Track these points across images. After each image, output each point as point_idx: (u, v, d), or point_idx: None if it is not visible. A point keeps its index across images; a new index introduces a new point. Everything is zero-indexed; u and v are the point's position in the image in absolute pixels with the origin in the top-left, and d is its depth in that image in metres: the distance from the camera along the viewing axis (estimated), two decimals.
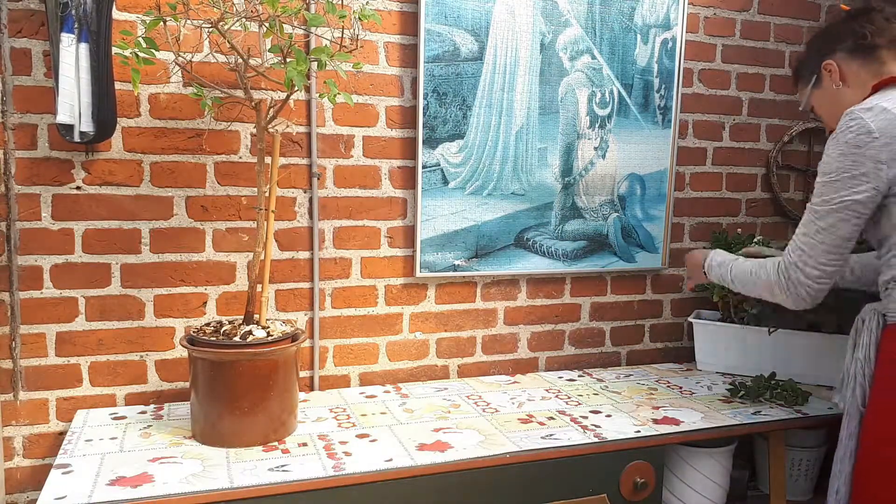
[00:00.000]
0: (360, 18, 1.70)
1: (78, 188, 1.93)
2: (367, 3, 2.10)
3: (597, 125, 2.40)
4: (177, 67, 1.92)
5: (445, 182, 2.25)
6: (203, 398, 1.74)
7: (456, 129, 2.23)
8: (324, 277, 2.19)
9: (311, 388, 2.21)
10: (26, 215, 1.90)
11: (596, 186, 2.43)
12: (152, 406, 2.02)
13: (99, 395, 2.01)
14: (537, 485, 1.80)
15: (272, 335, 1.78)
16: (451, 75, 2.20)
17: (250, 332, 1.77)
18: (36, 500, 1.59)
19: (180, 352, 2.06)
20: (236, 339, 1.75)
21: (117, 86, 1.89)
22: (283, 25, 1.71)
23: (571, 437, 1.87)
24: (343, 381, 2.25)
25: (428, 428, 1.91)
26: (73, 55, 1.74)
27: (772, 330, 2.34)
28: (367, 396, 2.15)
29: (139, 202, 1.99)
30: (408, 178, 2.24)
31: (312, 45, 1.97)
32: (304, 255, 2.17)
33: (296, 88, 1.72)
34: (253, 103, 1.77)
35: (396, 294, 2.28)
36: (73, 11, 1.73)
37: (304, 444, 1.77)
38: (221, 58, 1.91)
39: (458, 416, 2.00)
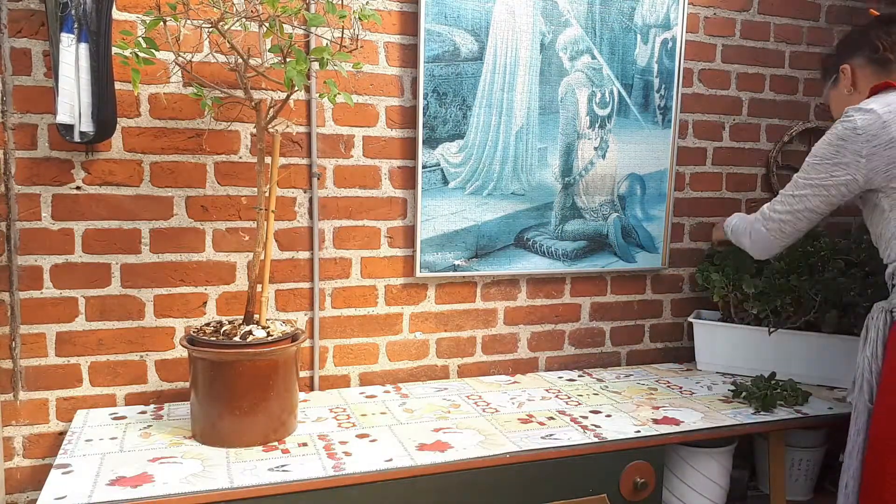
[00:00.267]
0: (360, 18, 1.70)
1: (78, 188, 1.93)
2: (367, 3, 2.10)
3: (597, 125, 2.40)
4: (177, 67, 1.92)
5: (445, 182, 2.25)
6: (203, 398, 1.74)
7: (456, 129, 2.23)
8: (324, 277, 2.19)
9: (311, 388, 2.21)
10: (26, 215, 1.90)
11: (596, 186, 2.43)
12: (152, 406, 2.02)
13: (99, 395, 2.01)
14: (537, 485, 1.80)
15: (272, 335, 1.78)
16: (451, 75, 2.20)
17: (250, 332, 1.77)
18: (36, 500, 1.59)
19: (180, 352, 2.06)
20: (236, 339, 1.75)
21: (117, 86, 1.89)
22: (283, 25, 1.71)
23: (571, 437, 1.87)
24: (343, 381, 2.25)
25: (428, 428, 1.91)
26: (73, 55, 1.74)
27: (772, 330, 2.34)
28: (367, 396, 2.15)
29: (139, 202, 1.99)
30: (408, 178, 2.24)
31: (312, 45, 1.97)
32: (304, 255, 2.17)
33: (296, 88, 1.72)
34: (253, 103, 1.77)
35: (396, 294, 2.28)
36: (73, 11, 1.73)
37: (304, 444, 1.77)
38: (221, 58, 1.91)
39: (458, 416, 2.00)
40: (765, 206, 1.95)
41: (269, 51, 1.75)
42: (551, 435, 1.88)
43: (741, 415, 2.07)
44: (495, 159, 2.29)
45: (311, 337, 2.19)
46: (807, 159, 1.84)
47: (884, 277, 1.81)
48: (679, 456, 2.11)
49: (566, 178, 2.39)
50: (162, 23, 1.67)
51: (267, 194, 1.82)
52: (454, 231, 2.28)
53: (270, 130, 1.81)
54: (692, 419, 2.02)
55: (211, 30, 1.74)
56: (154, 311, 2.04)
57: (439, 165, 2.23)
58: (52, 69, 1.79)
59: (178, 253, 2.04)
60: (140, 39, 1.64)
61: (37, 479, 1.95)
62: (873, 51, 1.81)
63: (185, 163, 2.02)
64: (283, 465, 1.65)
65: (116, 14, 1.90)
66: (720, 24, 2.56)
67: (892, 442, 1.65)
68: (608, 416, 2.03)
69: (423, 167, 2.21)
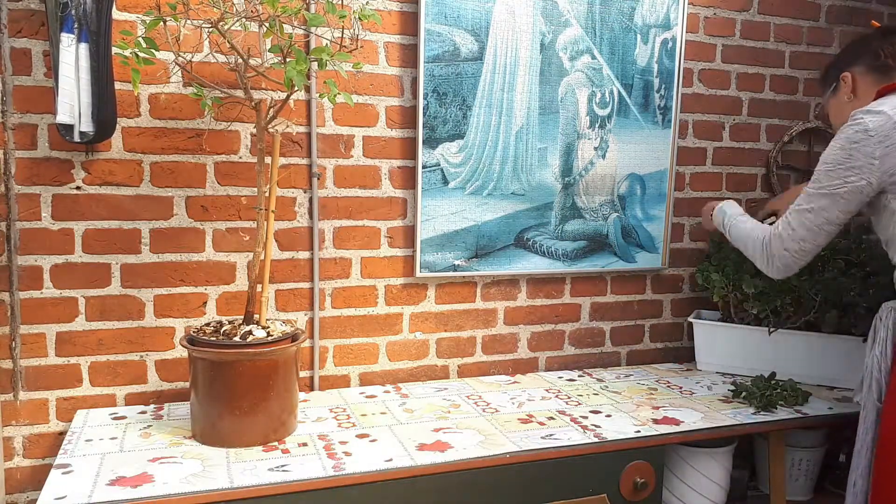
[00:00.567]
0: (360, 18, 1.70)
1: (78, 188, 1.93)
2: (367, 3, 2.10)
3: (597, 125, 2.40)
4: (177, 67, 1.92)
5: (445, 182, 2.25)
6: (203, 398, 1.74)
7: (456, 129, 2.23)
8: (324, 277, 2.19)
9: (311, 388, 2.21)
10: (26, 215, 1.90)
11: (596, 186, 2.43)
12: (152, 406, 2.02)
13: (99, 395, 2.01)
14: (537, 485, 1.80)
15: (272, 335, 1.78)
16: (451, 75, 2.20)
17: (250, 332, 1.77)
18: (36, 500, 1.59)
19: (180, 352, 2.06)
20: (236, 339, 1.75)
21: (117, 86, 1.89)
22: (283, 25, 1.71)
23: (571, 437, 1.87)
24: (343, 381, 2.25)
25: (428, 428, 1.91)
26: (73, 55, 1.74)
27: (772, 330, 2.34)
28: (367, 396, 2.15)
29: (139, 202, 1.99)
30: (408, 178, 2.24)
31: (312, 45, 1.96)
32: (304, 255, 2.17)
33: (296, 88, 1.72)
34: (253, 103, 1.77)
35: (396, 294, 2.28)
36: (73, 11, 1.73)
37: (304, 444, 1.77)
38: (221, 58, 1.91)
39: (458, 416, 2.00)
40: (779, 224, 1.85)
41: (269, 51, 1.75)
42: (551, 435, 1.88)
43: (741, 415, 2.07)
44: (495, 159, 2.29)
45: (311, 337, 2.19)
46: (818, 168, 1.78)
47: (892, 278, 1.81)
48: (679, 456, 2.11)
49: (566, 178, 2.39)
50: (162, 23, 1.67)
51: (267, 194, 1.82)
52: (454, 231, 2.28)
53: (270, 130, 1.81)
54: (692, 419, 2.02)
55: (211, 30, 1.74)
56: (154, 311, 2.04)
57: (439, 165, 2.23)
58: (52, 69, 1.79)
59: (178, 253, 2.04)
60: (140, 39, 1.64)
61: (37, 479, 1.95)
62: (875, 58, 1.82)
63: (185, 163, 2.02)
64: (283, 465, 1.65)
65: (116, 14, 1.90)
66: (720, 24, 2.56)
67: None
68: (608, 416, 2.03)
69: (423, 167, 2.21)
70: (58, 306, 1.95)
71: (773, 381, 2.20)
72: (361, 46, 1.91)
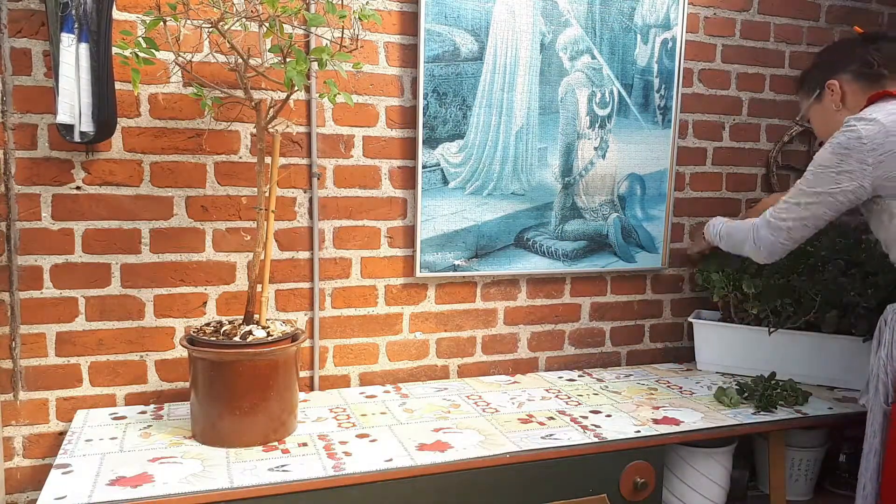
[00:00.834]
0: (360, 18, 1.70)
1: (78, 188, 1.93)
2: (367, 3, 2.10)
3: (597, 125, 2.40)
4: (177, 67, 1.92)
5: (445, 182, 2.25)
6: (203, 398, 1.74)
7: (456, 129, 2.23)
8: (324, 277, 2.19)
9: (311, 388, 2.21)
10: (26, 215, 1.90)
11: (596, 186, 2.43)
12: (152, 406, 2.02)
13: (99, 395, 2.01)
14: (537, 485, 1.80)
15: (272, 335, 1.78)
16: (451, 75, 2.20)
17: (250, 332, 1.77)
18: (36, 500, 1.59)
19: (180, 352, 2.06)
20: (236, 339, 1.75)
21: (117, 86, 1.89)
22: (283, 25, 1.71)
23: (571, 437, 1.87)
24: (343, 381, 2.25)
25: (428, 428, 1.91)
26: (73, 55, 1.74)
27: (772, 330, 2.34)
28: (367, 396, 2.15)
29: (139, 202, 1.99)
30: (408, 178, 2.24)
31: (312, 45, 1.96)
32: (304, 255, 2.17)
33: (296, 88, 1.72)
34: (253, 103, 1.77)
35: (396, 294, 2.28)
36: (73, 11, 1.73)
37: (304, 444, 1.77)
38: (221, 58, 1.91)
39: (458, 416, 2.00)
40: (767, 212, 1.93)
41: (269, 51, 1.75)
42: (551, 435, 1.88)
43: (741, 415, 2.07)
44: (495, 159, 2.29)
45: (311, 337, 2.19)
46: (809, 167, 1.81)
47: (894, 279, 1.81)
48: (679, 456, 2.11)
49: (566, 178, 2.39)
50: (162, 23, 1.67)
51: (267, 194, 1.82)
52: (454, 231, 2.28)
53: (270, 130, 1.81)
54: (692, 419, 2.02)
55: (211, 30, 1.74)
56: (154, 311, 2.04)
57: (439, 165, 2.23)
58: (53, 69, 1.79)
59: (178, 253, 2.04)
60: (140, 39, 1.64)
61: (37, 479, 1.95)
62: (866, 66, 1.80)
63: (185, 163, 2.02)
64: (283, 465, 1.65)
65: (116, 14, 1.90)
66: (720, 24, 2.56)
67: None
68: (608, 416, 2.03)
69: (423, 167, 2.21)
70: (58, 306, 1.95)
71: (772, 381, 2.20)
72: (361, 46, 1.91)
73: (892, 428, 1.71)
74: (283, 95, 1.80)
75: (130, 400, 2.04)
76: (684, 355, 2.66)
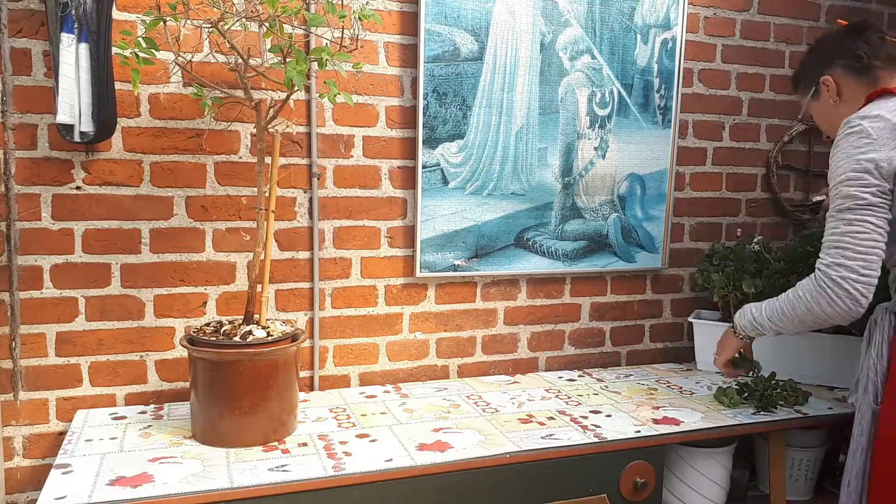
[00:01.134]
0: (360, 18, 1.70)
1: (78, 188, 1.93)
2: (367, 3, 2.10)
3: (597, 125, 2.40)
4: (177, 67, 1.92)
5: (445, 182, 2.25)
6: (203, 398, 1.74)
7: (456, 129, 2.23)
8: (324, 277, 2.19)
9: (311, 388, 2.21)
10: (26, 215, 1.90)
11: (596, 186, 2.43)
12: (152, 406, 2.02)
13: (99, 395, 2.01)
14: (537, 485, 1.80)
15: (272, 335, 1.78)
16: (451, 75, 2.20)
17: (250, 332, 1.77)
18: (36, 500, 1.59)
19: (180, 352, 2.06)
20: (236, 339, 1.75)
21: (117, 86, 1.89)
22: (283, 25, 1.71)
23: (571, 437, 1.87)
24: (343, 381, 2.25)
25: (428, 428, 1.91)
26: (73, 55, 1.74)
27: None
28: (367, 396, 2.15)
29: (139, 202, 1.99)
30: (408, 178, 2.24)
31: (312, 45, 1.96)
32: (304, 255, 2.17)
33: (296, 88, 1.72)
34: (253, 103, 1.77)
35: (396, 294, 2.28)
36: (73, 11, 1.73)
37: (304, 444, 1.77)
38: (221, 58, 1.91)
39: (458, 416, 2.00)
40: (822, 260, 1.68)
41: (269, 51, 1.75)
42: (551, 435, 1.88)
43: (741, 415, 2.07)
44: (495, 159, 2.29)
45: (311, 337, 2.19)
46: (830, 187, 1.69)
47: (886, 281, 1.80)
48: (679, 456, 2.11)
49: (566, 178, 2.39)
50: (162, 23, 1.67)
51: (267, 194, 1.82)
52: (454, 231, 2.28)
53: (270, 130, 1.81)
54: (692, 419, 2.02)
55: (211, 30, 1.74)
56: (154, 311, 2.04)
57: (439, 165, 2.23)
58: (52, 69, 1.79)
59: (178, 253, 2.04)
60: (140, 39, 1.64)
61: (37, 479, 1.95)
62: (856, 59, 1.77)
63: (185, 163, 2.02)
64: (283, 465, 1.65)
65: (116, 14, 1.90)
66: (720, 24, 2.56)
67: None
68: (608, 416, 2.03)
69: (423, 167, 2.21)
70: (58, 306, 1.95)
71: (772, 381, 2.20)
72: (361, 46, 1.91)
73: (880, 427, 1.72)
74: (283, 95, 1.80)
75: (130, 400, 2.04)
76: (684, 355, 2.66)
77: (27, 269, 1.91)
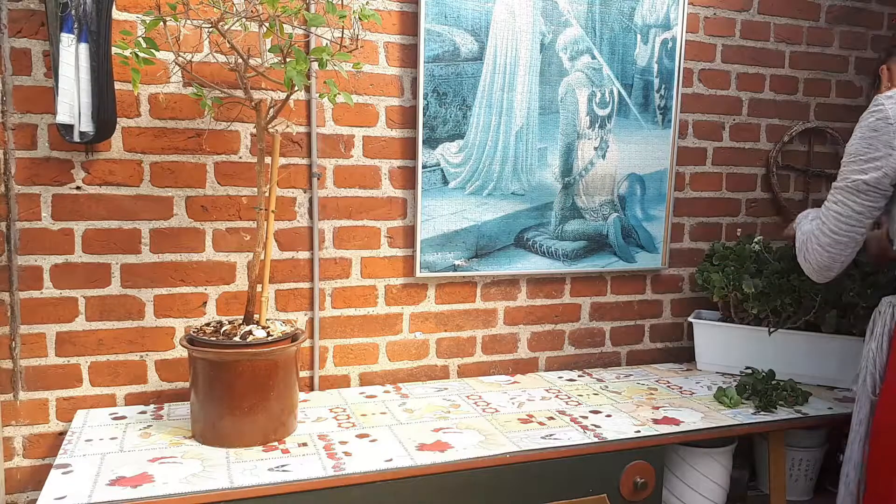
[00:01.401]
0: (360, 18, 1.70)
1: (78, 188, 1.93)
2: (367, 3, 2.10)
3: (597, 125, 2.40)
4: (177, 67, 1.92)
5: (445, 182, 2.25)
6: (203, 398, 1.74)
7: (456, 129, 2.23)
8: (324, 277, 2.19)
9: (311, 388, 2.21)
10: (26, 215, 1.90)
11: (596, 186, 2.43)
12: (152, 406, 2.02)
13: (99, 395, 2.01)
14: (537, 485, 1.80)
15: (272, 335, 1.78)
16: (451, 75, 2.20)
17: (250, 332, 1.77)
18: (36, 500, 1.59)
19: (180, 352, 2.06)
20: (236, 339, 1.75)
21: (117, 86, 1.89)
22: (283, 25, 1.71)
23: (571, 437, 1.87)
24: (343, 381, 2.25)
25: (428, 428, 1.91)
26: (73, 55, 1.74)
27: (772, 330, 2.34)
28: (367, 396, 2.15)
29: (139, 202, 1.99)
30: (408, 178, 2.24)
31: (312, 45, 1.97)
32: (304, 255, 2.17)
33: (296, 88, 1.72)
34: (253, 103, 1.77)
35: (396, 294, 2.28)
36: (73, 11, 1.73)
37: (304, 444, 1.77)
38: (221, 58, 1.91)
39: (458, 416, 2.00)
40: (814, 223, 1.83)
41: (269, 51, 1.75)
42: (551, 435, 1.88)
43: (741, 415, 2.07)
44: (495, 159, 2.29)
45: (311, 337, 2.19)
46: (843, 160, 1.76)
47: (893, 275, 1.82)
48: (679, 456, 2.11)
49: (566, 178, 2.39)
50: (162, 23, 1.67)
51: (267, 194, 1.82)
52: (454, 231, 2.28)
53: (270, 130, 1.81)
54: (692, 419, 2.02)
55: (211, 30, 1.74)
56: (154, 311, 2.03)
57: (439, 165, 2.23)
58: (52, 69, 1.79)
59: (178, 253, 2.04)
60: (140, 39, 1.64)
61: (37, 479, 1.95)
62: None
63: (185, 163, 2.02)
64: (283, 465, 1.65)
65: (116, 14, 1.90)
66: (720, 24, 2.56)
67: None
68: (608, 416, 2.03)
69: (423, 167, 2.21)
70: (58, 306, 1.95)
71: (772, 381, 2.20)
72: (361, 46, 1.91)
73: (876, 418, 1.74)
74: (283, 95, 1.80)
75: (130, 400, 2.04)
76: (684, 355, 2.66)
77: (27, 269, 1.91)
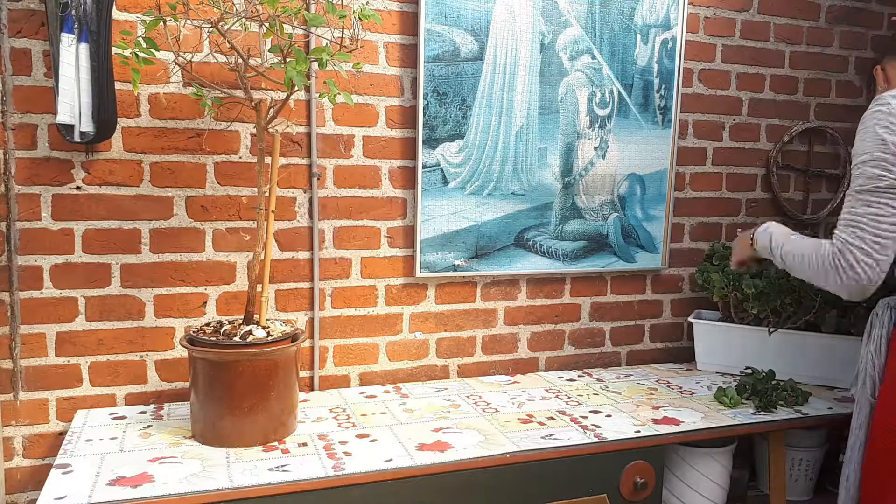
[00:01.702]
0: (360, 18, 1.70)
1: (78, 188, 1.93)
2: (367, 3, 2.10)
3: (597, 125, 2.40)
4: (177, 67, 1.92)
5: (445, 182, 2.25)
6: (203, 398, 1.74)
7: (456, 129, 2.23)
8: (324, 277, 2.19)
9: (311, 388, 2.21)
10: (26, 215, 1.90)
11: (596, 186, 2.43)
12: (152, 406, 2.02)
13: (99, 395, 2.01)
14: (537, 485, 1.80)
15: (272, 335, 1.78)
16: (451, 75, 2.20)
17: (250, 332, 1.77)
18: (36, 500, 1.59)
19: (180, 352, 2.06)
20: (236, 339, 1.75)
21: (117, 86, 1.89)
22: (283, 25, 1.71)
23: (571, 437, 1.87)
24: (343, 381, 2.25)
25: (428, 428, 1.91)
26: (73, 55, 1.74)
27: (772, 330, 2.34)
28: (367, 396, 2.15)
29: (139, 202, 1.99)
30: (408, 178, 2.24)
31: (312, 45, 1.97)
32: (304, 255, 2.17)
33: (296, 88, 1.72)
34: (253, 103, 1.77)
35: (396, 294, 2.28)
36: (73, 11, 1.73)
37: (304, 444, 1.77)
38: (221, 58, 1.91)
39: (458, 416, 2.00)
40: (839, 235, 1.67)
41: (269, 51, 1.75)
42: (551, 435, 1.88)
43: (741, 415, 2.07)
44: (495, 159, 2.29)
45: (311, 337, 2.19)
46: (853, 165, 1.67)
47: (892, 273, 1.80)
48: (679, 456, 2.11)
49: (566, 178, 2.39)
50: (162, 23, 1.67)
51: (267, 194, 1.82)
52: (454, 231, 2.28)
53: (270, 130, 1.81)
54: (692, 419, 2.02)
55: (211, 30, 1.74)
56: (154, 311, 2.03)
57: (439, 165, 2.23)
58: (53, 69, 1.79)
59: (178, 253, 2.04)
60: (140, 39, 1.64)
61: (37, 479, 1.95)
62: None
63: (185, 163, 2.02)
64: (283, 465, 1.65)
65: (116, 14, 1.90)
66: (720, 24, 2.56)
67: (894, 435, 1.66)
68: (608, 416, 2.03)
69: (423, 167, 2.21)
70: (58, 306, 1.95)
71: (772, 382, 2.20)
72: (361, 46, 1.91)
73: (875, 421, 1.73)
74: (283, 95, 1.80)
75: (130, 400, 2.04)
76: (684, 355, 2.66)
77: (27, 269, 1.91)
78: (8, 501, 1.95)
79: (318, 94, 2.09)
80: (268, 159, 1.85)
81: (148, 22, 1.67)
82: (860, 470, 1.77)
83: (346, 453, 1.73)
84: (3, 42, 1.81)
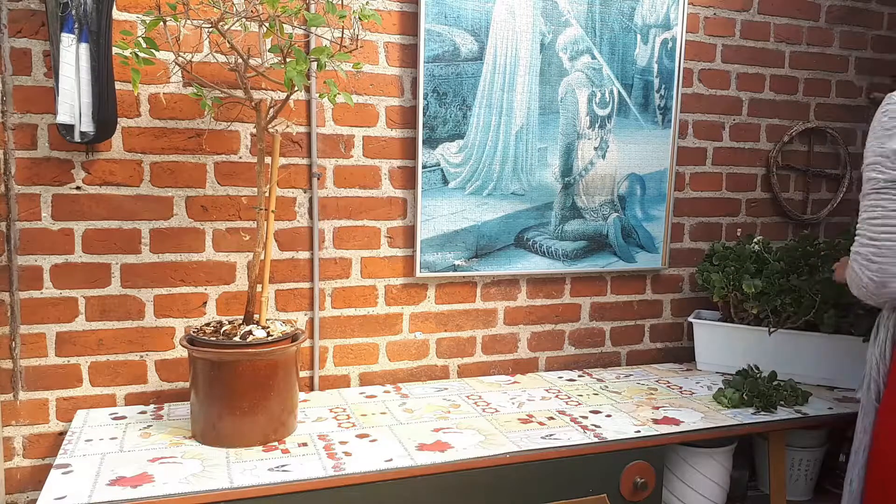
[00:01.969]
0: (360, 18, 1.70)
1: (78, 188, 1.93)
2: (367, 3, 2.10)
3: (597, 125, 2.40)
4: (177, 67, 1.92)
5: (445, 182, 2.25)
6: (203, 398, 1.74)
7: (456, 129, 2.23)
8: (324, 277, 2.19)
9: (311, 388, 2.21)
10: (26, 215, 1.90)
11: (596, 186, 2.43)
12: (152, 406, 2.02)
13: (99, 395, 2.01)
14: (537, 485, 1.80)
15: (272, 335, 1.78)
16: (451, 75, 2.20)
17: (250, 332, 1.77)
18: (36, 500, 1.59)
19: (180, 352, 2.06)
20: (236, 339, 1.75)
21: (117, 86, 1.89)
22: (283, 25, 1.71)
23: (571, 437, 1.87)
24: (343, 381, 2.25)
25: (428, 428, 1.91)
26: (74, 55, 1.74)
27: (772, 330, 2.34)
28: (367, 396, 2.15)
29: (139, 202, 1.99)
30: (408, 178, 2.24)
31: (312, 45, 1.97)
32: (304, 255, 2.17)
33: (296, 88, 1.72)
34: (253, 103, 1.77)
35: (396, 294, 2.28)
36: (73, 11, 1.73)
37: (304, 444, 1.77)
38: (221, 58, 1.91)
39: (458, 416, 2.00)
40: (855, 243, 1.67)
41: (269, 51, 1.75)
42: (551, 435, 1.88)
43: (741, 415, 2.07)
44: (495, 159, 2.29)
45: (311, 337, 2.19)
46: (863, 167, 1.66)
47: None
48: (679, 456, 2.11)
49: (566, 178, 2.39)
50: (162, 23, 1.67)
51: (267, 194, 1.82)
52: (454, 231, 2.28)
53: (270, 130, 1.81)
54: (692, 419, 2.02)
55: (211, 30, 1.74)
56: (154, 311, 2.03)
57: (439, 165, 2.23)
58: (53, 69, 1.79)
59: (178, 253, 2.04)
60: (140, 39, 1.64)
61: (37, 479, 1.95)
62: None
63: (185, 163, 2.02)
64: (283, 465, 1.65)
65: (116, 14, 1.90)
66: (720, 24, 2.56)
67: None
68: (608, 416, 2.03)
69: (423, 167, 2.21)
70: (58, 306, 1.95)
71: (772, 382, 2.20)
72: (361, 46, 1.91)
73: (878, 426, 1.73)
74: (283, 95, 1.80)
75: (130, 400, 2.04)
76: (684, 355, 2.66)
77: (27, 269, 1.91)
78: (8, 501, 1.95)
79: (318, 94, 2.09)
80: (268, 159, 1.85)
81: (148, 22, 1.67)
82: (864, 476, 1.76)
83: (346, 453, 1.73)
84: (3, 42, 1.81)
